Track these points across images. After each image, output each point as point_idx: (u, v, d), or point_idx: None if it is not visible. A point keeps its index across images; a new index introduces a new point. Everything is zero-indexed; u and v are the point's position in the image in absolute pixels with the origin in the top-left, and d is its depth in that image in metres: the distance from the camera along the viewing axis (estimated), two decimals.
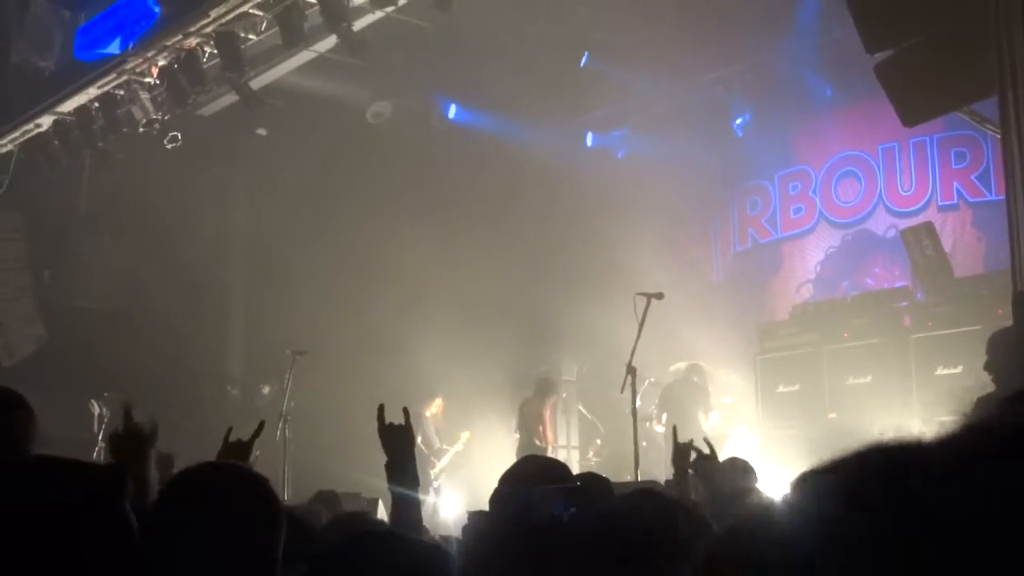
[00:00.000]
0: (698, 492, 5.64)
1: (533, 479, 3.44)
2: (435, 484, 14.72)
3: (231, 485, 2.44)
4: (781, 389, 12.33)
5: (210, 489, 2.42)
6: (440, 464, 15.00)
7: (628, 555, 2.54)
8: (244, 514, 2.38)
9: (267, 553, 2.39)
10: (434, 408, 15.17)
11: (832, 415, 11.68)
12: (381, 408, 4.02)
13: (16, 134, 15.06)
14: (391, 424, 3.96)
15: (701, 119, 16.02)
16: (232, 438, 4.01)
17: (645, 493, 3.11)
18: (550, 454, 14.15)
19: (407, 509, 3.81)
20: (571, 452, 15.22)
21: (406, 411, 4.03)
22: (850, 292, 13.96)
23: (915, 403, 10.85)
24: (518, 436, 14.39)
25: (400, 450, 3.89)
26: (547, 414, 14.62)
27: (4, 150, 15.45)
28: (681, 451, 6.02)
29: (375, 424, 3.97)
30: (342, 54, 12.73)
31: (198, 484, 2.46)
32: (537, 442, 14.23)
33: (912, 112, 9.09)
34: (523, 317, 16.10)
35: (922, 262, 11.93)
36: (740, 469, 7.17)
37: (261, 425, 4.20)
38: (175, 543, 2.32)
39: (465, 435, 15.01)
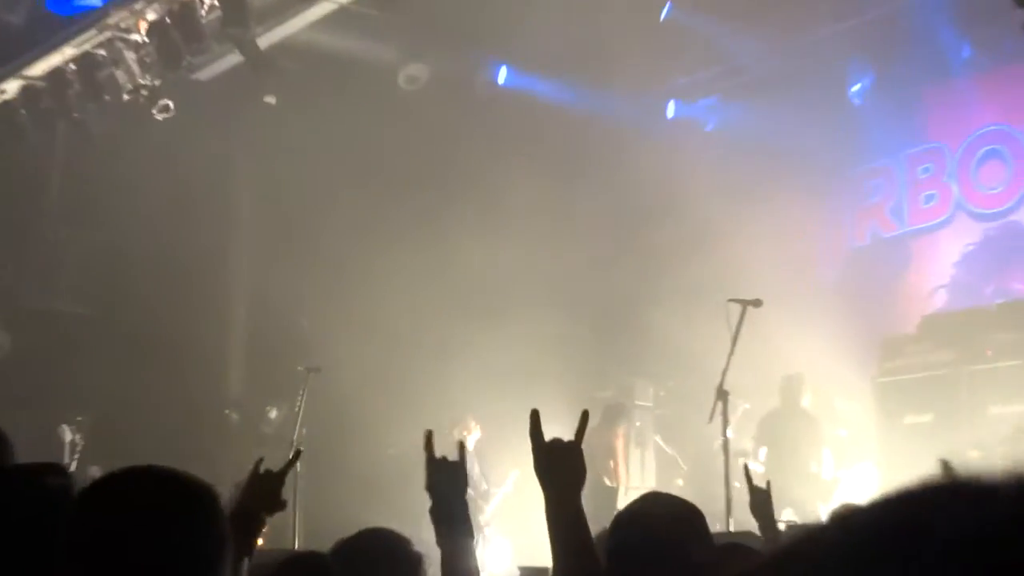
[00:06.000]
0: None
1: (663, 527, 3.44)
2: (485, 532, 14.69)
3: (159, 492, 2.48)
4: (909, 419, 12.17)
5: (134, 496, 2.47)
6: (489, 509, 14.95)
7: None
8: (175, 529, 2.42)
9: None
10: (476, 432, 15.11)
11: (974, 452, 11.49)
12: (429, 436, 3.83)
13: None
14: (443, 459, 3.79)
15: (809, 85, 15.91)
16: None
17: (732, 550, 3.06)
18: (621, 495, 14.08)
19: (462, 566, 3.70)
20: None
21: (461, 445, 3.91)
22: (995, 299, 13.78)
23: None
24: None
25: (452, 493, 3.74)
26: (619, 447, 14.53)
27: None
28: (761, 497, 6.00)
29: (409, 456, 3.85)
30: (368, 5, 12.77)
31: (120, 490, 2.51)
32: (607, 482, 14.16)
33: None
34: (587, 326, 16.05)
35: None
36: None
37: (297, 454, 4.57)
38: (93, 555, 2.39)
39: (515, 473, 14.95)
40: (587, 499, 3.74)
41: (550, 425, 3.52)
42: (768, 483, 5.93)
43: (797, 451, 12.68)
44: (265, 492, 3.93)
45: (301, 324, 17.10)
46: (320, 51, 15.52)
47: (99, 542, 2.39)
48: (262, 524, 3.81)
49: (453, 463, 3.78)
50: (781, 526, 9.62)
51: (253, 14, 13.21)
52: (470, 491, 13.59)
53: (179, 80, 14.38)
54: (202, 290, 16.98)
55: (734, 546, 3.16)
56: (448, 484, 3.73)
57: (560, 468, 3.48)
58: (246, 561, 3.58)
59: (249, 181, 18.27)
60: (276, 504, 3.96)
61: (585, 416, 3.56)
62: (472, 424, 15.08)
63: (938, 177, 15.73)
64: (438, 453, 3.83)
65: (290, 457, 4.35)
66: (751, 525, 10.16)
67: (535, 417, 3.54)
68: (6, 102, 15.29)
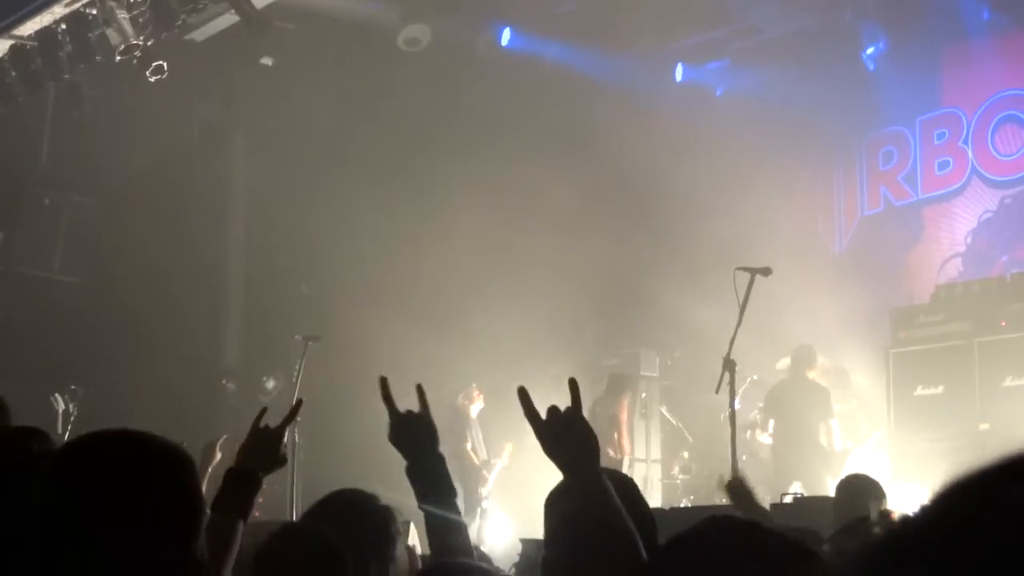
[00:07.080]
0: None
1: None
2: (484, 505, 14.73)
3: (133, 455, 2.48)
4: (920, 391, 12.19)
5: (107, 458, 2.47)
6: (491, 479, 14.98)
7: None
8: (148, 491, 2.42)
9: (178, 546, 2.44)
10: (479, 402, 15.15)
11: (984, 425, 11.52)
12: (385, 384, 3.69)
13: None
14: (407, 412, 3.66)
15: (822, 49, 15.86)
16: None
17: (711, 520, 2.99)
18: (626, 468, 14.11)
19: (447, 529, 3.63)
20: (651, 467, 15.14)
21: (420, 389, 3.77)
22: (1010, 269, 13.78)
23: None
24: None
25: (420, 446, 3.62)
26: (623, 418, 14.55)
27: None
28: (736, 489, 6.01)
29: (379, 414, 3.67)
30: None
31: (94, 453, 2.51)
32: (611, 453, 14.17)
33: None
34: (592, 295, 16.05)
35: None
36: (865, 490, 7.12)
37: (298, 404, 4.49)
38: (66, 518, 2.38)
39: (508, 447, 15.01)
40: None
41: (554, 396, 3.35)
42: (740, 476, 5.94)
43: (806, 423, 12.69)
44: (263, 449, 3.82)
45: (300, 291, 17.11)
46: (318, 11, 15.46)
47: (73, 505, 2.40)
48: (258, 485, 3.73)
49: (417, 414, 3.66)
50: (788, 499, 9.73)
51: None
52: (472, 457, 13.49)
53: (173, 41, 14.31)
54: (197, 257, 16.96)
55: (713, 517, 3.05)
56: (414, 437, 3.62)
57: (568, 441, 3.02)
58: (241, 524, 3.53)
59: (245, 144, 18.21)
60: (274, 461, 3.84)
61: (574, 385, 3.12)
62: (476, 393, 15.13)
63: (953, 143, 15.68)
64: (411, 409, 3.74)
65: (291, 409, 4.21)
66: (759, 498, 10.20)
67: (523, 396, 3.08)
68: None
